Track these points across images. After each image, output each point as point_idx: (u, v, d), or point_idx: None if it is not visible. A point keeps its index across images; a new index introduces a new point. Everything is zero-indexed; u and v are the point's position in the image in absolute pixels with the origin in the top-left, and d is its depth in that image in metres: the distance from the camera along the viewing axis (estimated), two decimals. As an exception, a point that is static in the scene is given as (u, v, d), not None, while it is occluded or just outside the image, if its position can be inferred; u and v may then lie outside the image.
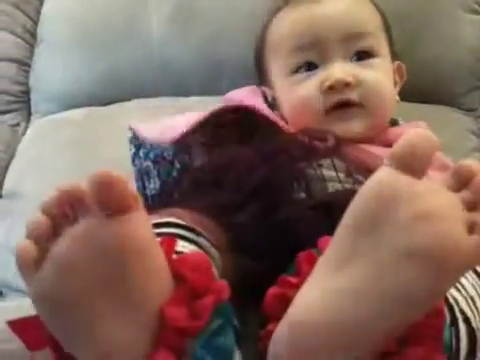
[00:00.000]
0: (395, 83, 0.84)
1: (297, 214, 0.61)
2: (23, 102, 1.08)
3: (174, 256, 0.49)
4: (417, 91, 0.98)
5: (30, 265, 0.44)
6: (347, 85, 0.74)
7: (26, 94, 1.08)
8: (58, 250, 0.44)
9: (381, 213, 0.44)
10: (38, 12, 1.09)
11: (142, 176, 0.80)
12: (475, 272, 0.58)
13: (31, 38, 1.09)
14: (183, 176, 0.75)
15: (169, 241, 0.50)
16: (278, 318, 0.46)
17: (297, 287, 0.47)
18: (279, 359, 0.45)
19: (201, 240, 0.57)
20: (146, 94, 1.02)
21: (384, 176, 0.45)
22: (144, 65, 1.02)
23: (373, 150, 0.73)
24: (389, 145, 0.66)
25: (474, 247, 0.42)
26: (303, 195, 0.66)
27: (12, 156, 1.02)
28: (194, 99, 1.01)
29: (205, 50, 0.99)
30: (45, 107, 1.07)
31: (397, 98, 0.84)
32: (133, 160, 0.81)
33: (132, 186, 0.46)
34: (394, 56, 0.84)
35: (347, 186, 0.68)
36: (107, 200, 0.43)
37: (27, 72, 1.08)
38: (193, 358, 0.44)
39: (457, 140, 0.95)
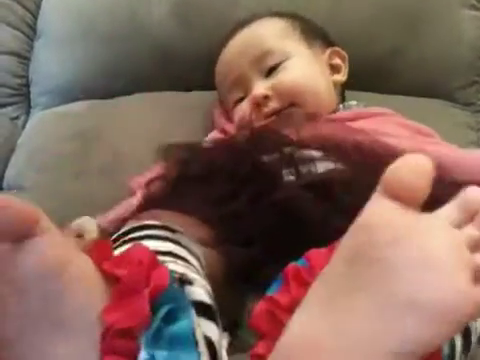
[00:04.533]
0: (334, 67, 0.90)
1: (293, 194, 0.61)
2: (23, 95, 1.08)
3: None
4: (415, 85, 1.00)
5: None
6: (267, 98, 0.83)
7: (26, 87, 1.08)
8: None
9: (376, 253, 0.39)
10: (37, 5, 1.09)
11: None
12: None
13: (30, 31, 1.09)
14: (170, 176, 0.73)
15: (102, 245, 0.48)
16: (267, 336, 0.44)
17: (287, 310, 0.43)
18: None
19: (178, 237, 0.56)
20: (146, 88, 1.02)
21: (377, 210, 0.40)
22: (145, 59, 1.02)
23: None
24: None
25: (478, 299, 0.37)
26: (292, 178, 0.66)
27: (12, 149, 1.02)
28: (194, 94, 1.02)
29: (206, 44, 0.99)
30: (45, 100, 1.07)
31: (341, 78, 0.90)
32: None
33: (30, 208, 0.41)
34: (329, 45, 0.91)
35: (338, 165, 0.67)
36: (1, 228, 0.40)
37: (27, 65, 1.08)
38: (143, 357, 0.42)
39: (453, 134, 0.96)
